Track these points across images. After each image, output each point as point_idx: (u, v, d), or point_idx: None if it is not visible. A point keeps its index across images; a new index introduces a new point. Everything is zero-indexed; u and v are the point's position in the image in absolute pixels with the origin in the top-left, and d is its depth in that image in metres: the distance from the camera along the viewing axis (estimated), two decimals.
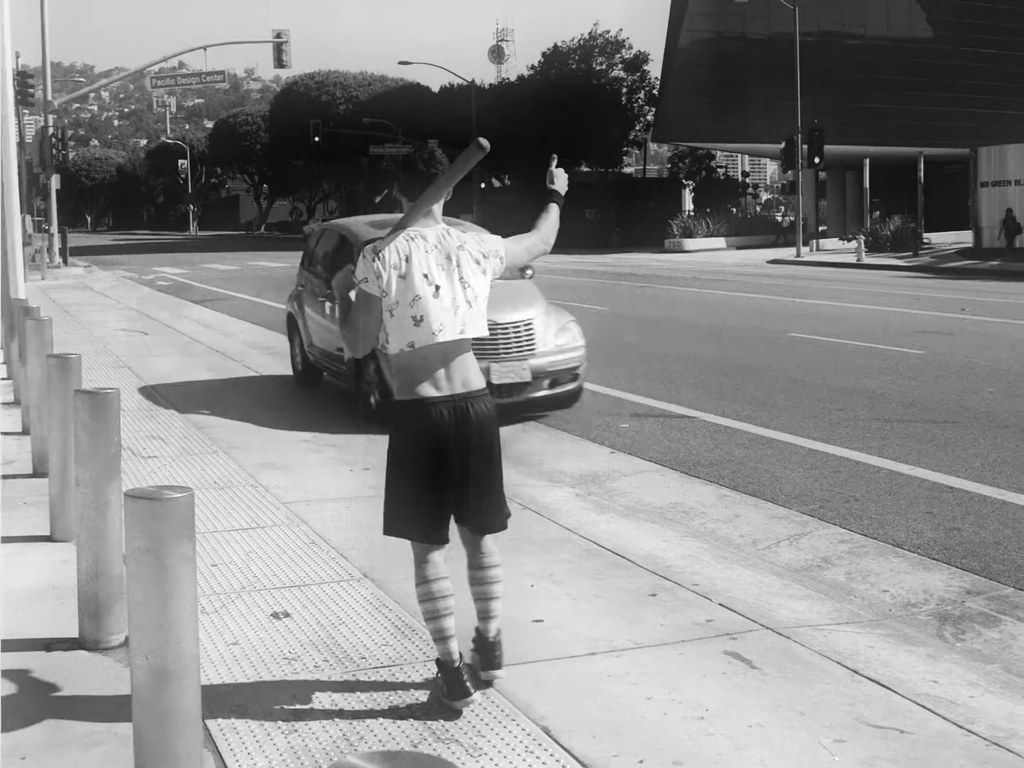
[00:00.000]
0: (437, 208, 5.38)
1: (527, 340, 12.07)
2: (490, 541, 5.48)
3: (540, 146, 72.20)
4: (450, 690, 5.22)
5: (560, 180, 5.89)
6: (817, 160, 49.77)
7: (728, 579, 7.15)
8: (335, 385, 13.82)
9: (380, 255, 5.19)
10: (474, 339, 5.33)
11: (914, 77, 63.52)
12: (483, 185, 78.22)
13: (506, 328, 11.95)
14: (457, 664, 5.23)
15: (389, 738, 4.97)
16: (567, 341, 12.54)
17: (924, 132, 60.69)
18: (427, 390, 5.19)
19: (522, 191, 79.08)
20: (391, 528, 5.35)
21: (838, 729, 5.06)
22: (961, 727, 5.12)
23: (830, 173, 67.85)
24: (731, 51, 64.81)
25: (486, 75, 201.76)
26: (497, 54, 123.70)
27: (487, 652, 5.48)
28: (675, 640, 6.10)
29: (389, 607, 6.54)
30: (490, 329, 9.64)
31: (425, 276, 5.16)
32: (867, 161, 56.85)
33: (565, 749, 4.85)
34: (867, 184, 57.25)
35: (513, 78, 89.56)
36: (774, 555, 7.72)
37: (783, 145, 50.65)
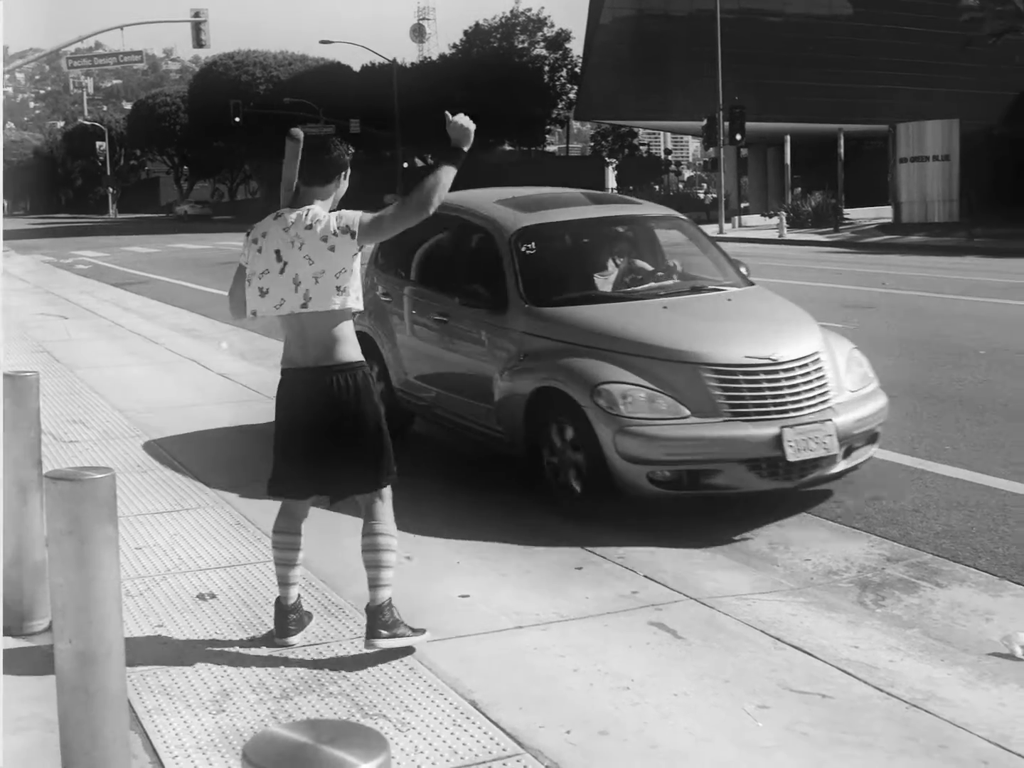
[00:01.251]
0: (314, 192, 5.63)
1: (819, 387, 7.91)
2: (380, 509, 5.63)
3: None
4: (276, 628, 5.78)
5: (456, 128, 5.46)
6: (739, 137, 49.99)
7: (653, 552, 7.22)
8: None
9: (250, 230, 5.70)
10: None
11: (834, 54, 64.02)
12: (406, 165, 77.94)
13: (790, 370, 7.79)
14: (285, 605, 5.78)
15: (317, 715, 4.98)
16: (861, 381, 8.38)
17: (844, 109, 61.17)
18: (287, 361, 5.66)
19: None
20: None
21: (762, 695, 5.14)
22: (881, 691, 5.22)
23: (752, 150, 68.27)
24: (653, 29, 64.98)
25: (408, 54, 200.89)
26: (419, 33, 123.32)
27: (369, 619, 5.60)
28: (600, 612, 6.16)
29: (316, 586, 6.54)
30: (766, 371, 7.68)
31: (276, 252, 5.52)
32: (788, 138, 57.23)
33: (493, 722, 4.89)
34: (788, 161, 57.64)
35: (435, 57, 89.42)
36: (698, 528, 7.79)
37: (705, 122, 50.84)
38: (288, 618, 5.78)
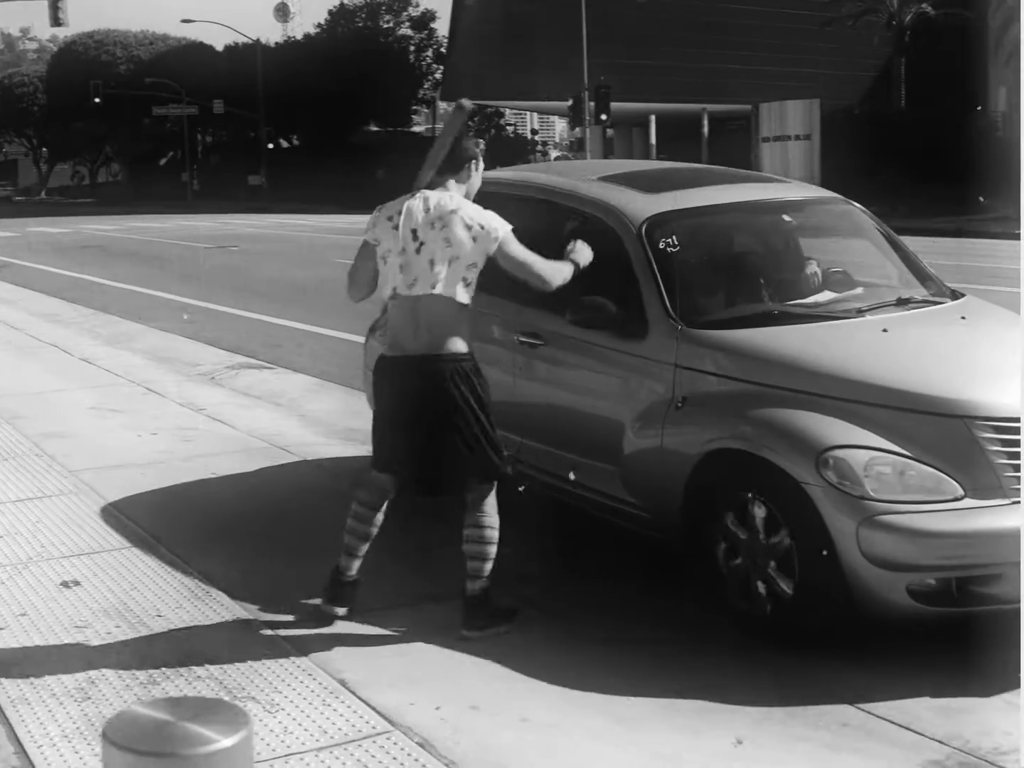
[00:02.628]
0: (446, 179, 5.61)
1: None
2: (486, 500, 5.60)
3: (328, 105, 71.68)
4: (325, 593, 5.76)
5: (581, 255, 5.84)
6: (604, 117, 50.35)
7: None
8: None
9: (381, 208, 5.65)
10: None
11: (698, 34, 64.59)
12: (271, 146, 77.14)
13: None
14: (341, 578, 5.73)
15: None
16: None
17: (708, 89, 61.80)
18: (394, 348, 5.57)
19: (310, 151, 78.32)
20: None
21: None
22: None
23: (618, 130, 68.70)
24: (518, 8, 64.97)
25: (272, 34, 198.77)
26: (282, 12, 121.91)
27: (465, 611, 5.62)
28: None
29: (183, 569, 6.48)
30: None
31: (413, 231, 5.44)
32: (653, 118, 57.74)
33: (362, 700, 4.90)
34: (653, 140, 58.14)
35: (299, 37, 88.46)
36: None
37: (570, 102, 51.14)
38: (344, 589, 5.74)
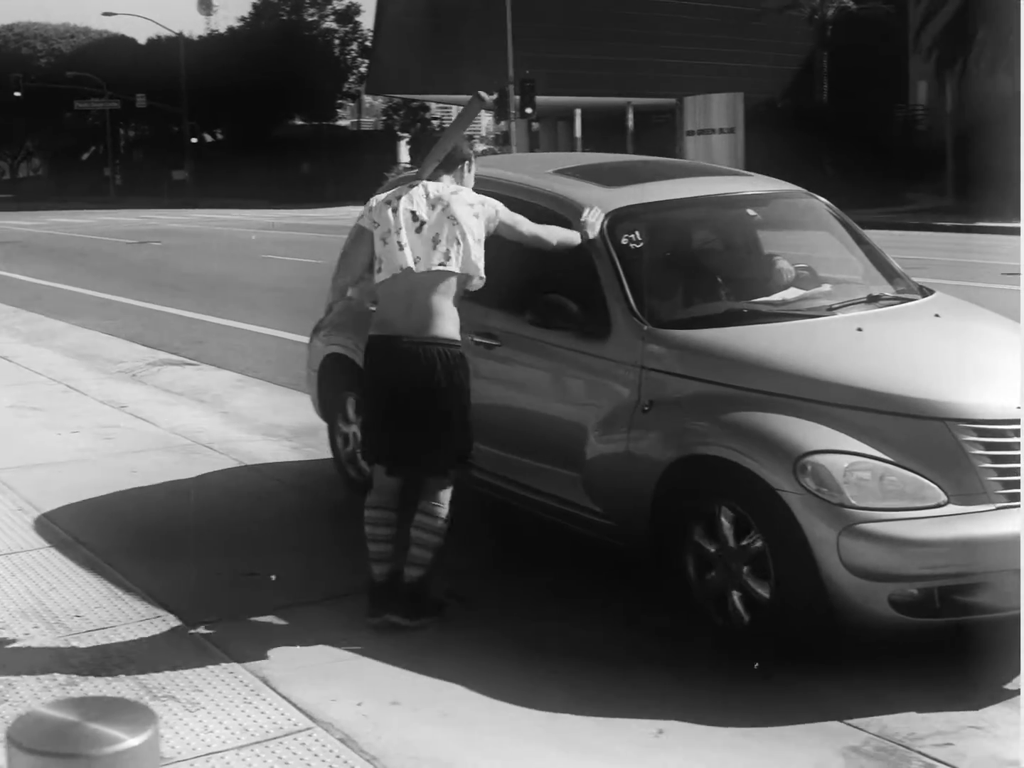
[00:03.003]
0: (441, 174, 5.73)
1: None
2: (442, 491, 5.62)
3: (252, 99, 71.17)
4: (369, 607, 5.62)
5: (593, 228, 6.05)
6: (529, 110, 50.35)
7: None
8: None
9: (377, 195, 5.74)
10: None
11: (623, 28, 64.78)
12: (195, 140, 76.50)
13: None
14: (377, 583, 5.64)
15: None
16: None
17: (633, 82, 62.03)
18: (383, 326, 5.57)
19: (234, 145, 77.71)
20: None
21: None
22: None
23: (543, 124, 68.79)
24: (442, 2, 64.91)
25: (195, 27, 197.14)
26: (206, 5, 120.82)
27: (398, 597, 5.61)
28: None
29: (102, 569, 6.42)
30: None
31: (412, 212, 5.53)
32: (578, 111, 57.90)
33: (284, 697, 4.89)
34: (579, 134, 58.31)
35: (223, 30, 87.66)
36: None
37: (495, 96, 51.14)
38: (383, 596, 5.64)
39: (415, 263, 5.47)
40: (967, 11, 37.38)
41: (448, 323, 5.52)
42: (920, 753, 4.44)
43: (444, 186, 5.66)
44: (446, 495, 5.64)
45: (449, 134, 5.82)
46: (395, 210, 5.56)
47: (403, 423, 5.54)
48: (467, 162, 5.86)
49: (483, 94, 5.79)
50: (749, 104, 44.96)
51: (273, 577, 6.23)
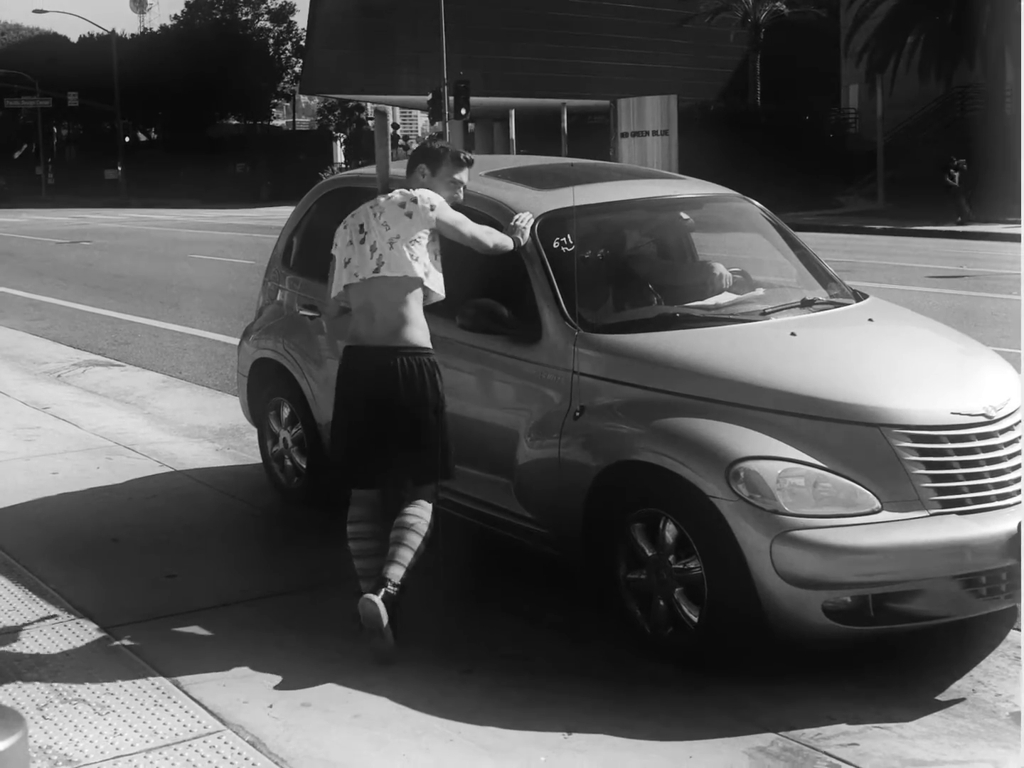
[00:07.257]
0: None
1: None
2: (425, 496, 5.53)
3: (186, 98, 70.73)
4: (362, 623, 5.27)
5: (524, 234, 6.00)
6: (464, 111, 50.34)
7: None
8: None
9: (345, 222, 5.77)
10: None
11: (558, 29, 64.98)
12: (127, 139, 75.89)
13: (1008, 430, 5.29)
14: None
15: (15, 703, 4.88)
16: None
17: (568, 84, 62.19)
18: (351, 338, 5.58)
19: (168, 145, 77.19)
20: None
21: None
22: None
23: (479, 125, 68.82)
24: (378, 2, 64.76)
25: (128, 25, 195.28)
26: (139, 3, 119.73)
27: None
28: (310, 585, 6.17)
29: (18, 572, 6.37)
30: (981, 434, 5.16)
31: (360, 226, 5.61)
32: (513, 112, 57.95)
33: (195, 700, 4.88)
34: (513, 135, 58.39)
35: (156, 28, 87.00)
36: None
37: (430, 97, 51.08)
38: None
39: (355, 275, 5.54)
40: (897, 17, 37.80)
41: (413, 329, 5.46)
42: (825, 753, 4.49)
43: (395, 192, 5.67)
44: (428, 500, 5.54)
45: (376, 154, 5.99)
46: (345, 227, 5.69)
47: (381, 435, 5.48)
48: (423, 166, 5.78)
49: (379, 107, 5.91)
50: (683, 107, 45.10)
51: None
